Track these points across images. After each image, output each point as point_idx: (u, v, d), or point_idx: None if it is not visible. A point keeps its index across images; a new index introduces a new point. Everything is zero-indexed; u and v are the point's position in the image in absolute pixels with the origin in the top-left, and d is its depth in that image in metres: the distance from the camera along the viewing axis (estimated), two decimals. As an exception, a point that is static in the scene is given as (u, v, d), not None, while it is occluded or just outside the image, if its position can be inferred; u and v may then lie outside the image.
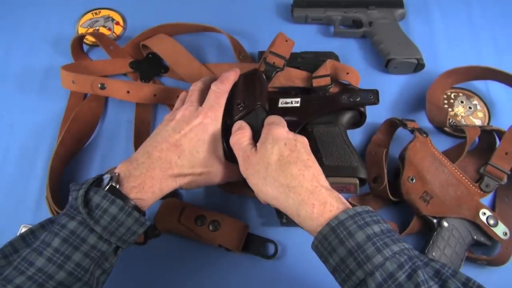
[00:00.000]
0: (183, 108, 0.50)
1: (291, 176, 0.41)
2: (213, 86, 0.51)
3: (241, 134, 0.47)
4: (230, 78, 0.52)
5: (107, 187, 0.42)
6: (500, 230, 0.53)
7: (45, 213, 0.57)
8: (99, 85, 0.61)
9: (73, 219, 0.40)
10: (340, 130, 0.54)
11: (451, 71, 0.64)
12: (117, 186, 0.42)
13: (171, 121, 0.48)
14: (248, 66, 0.64)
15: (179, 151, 0.46)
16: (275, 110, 0.57)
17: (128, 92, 0.62)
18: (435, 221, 0.53)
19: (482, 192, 0.55)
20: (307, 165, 0.42)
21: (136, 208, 0.43)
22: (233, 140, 0.47)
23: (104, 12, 0.77)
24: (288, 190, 0.40)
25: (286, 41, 0.62)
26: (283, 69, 0.60)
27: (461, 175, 0.55)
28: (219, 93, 0.50)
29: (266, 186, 0.42)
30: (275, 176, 0.41)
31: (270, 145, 0.43)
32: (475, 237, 0.53)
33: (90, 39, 0.73)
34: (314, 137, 0.54)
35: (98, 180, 0.43)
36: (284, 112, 0.56)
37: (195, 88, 0.52)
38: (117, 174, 0.44)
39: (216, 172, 0.49)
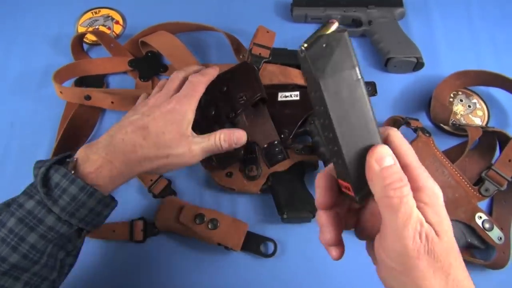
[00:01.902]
0: (157, 94, 0.48)
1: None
2: (191, 77, 0.49)
3: (404, 194, 0.27)
4: (210, 73, 0.51)
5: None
6: (495, 234, 0.53)
7: (44, 212, 0.57)
8: (84, 97, 0.62)
9: (31, 198, 0.38)
10: None
11: (461, 73, 0.64)
12: (72, 172, 0.39)
13: (144, 107, 0.47)
14: None
15: (145, 133, 0.44)
16: (275, 103, 0.57)
17: (112, 102, 0.63)
18: (430, 222, 0.53)
19: (480, 196, 0.55)
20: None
21: None
22: (393, 198, 0.27)
23: (104, 11, 0.77)
24: None
25: (267, 32, 0.64)
26: (269, 59, 0.62)
27: (461, 178, 0.55)
28: (197, 83, 0.48)
29: None
30: None
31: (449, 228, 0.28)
32: (469, 240, 0.53)
33: (90, 38, 0.73)
34: (318, 129, 0.54)
35: (63, 159, 0.41)
36: (284, 106, 0.57)
37: (176, 76, 0.50)
38: (75, 159, 0.41)
39: (183, 153, 0.45)
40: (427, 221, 0.27)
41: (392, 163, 0.27)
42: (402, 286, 0.27)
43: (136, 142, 0.43)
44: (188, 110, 0.46)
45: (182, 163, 0.47)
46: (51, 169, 0.39)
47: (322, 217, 0.32)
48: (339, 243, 0.32)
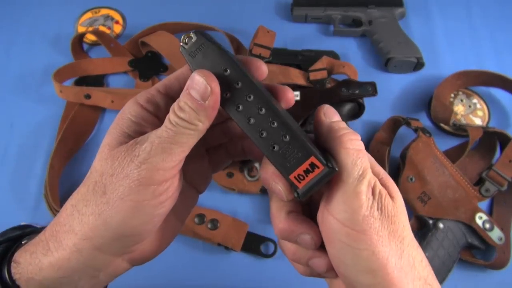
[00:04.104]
0: None
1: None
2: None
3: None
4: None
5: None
6: (495, 235, 0.53)
7: (44, 212, 0.57)
8: (84, 95, 0.62)
9: None
10: None
11: (462, 73, 0.64)
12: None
13: None
14: None
15: None
16: None
17: (112, 101, 0.63)
18: (431, 222, 0.53)
19: (481, 196, 0.55)
20: None
21: None
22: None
23: (104, 11, 0.77)
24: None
25: (268, 32, 0.64)
26: (269, 59, 0.62)
27: (461, 178, 0.55)
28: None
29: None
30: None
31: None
32: (469, 240, 0.53)
33: (90, 38, 0.73)
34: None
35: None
36: None
37: None
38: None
39: None
40: (380, 180, 0.25)
41: (340, 119, 0.26)
42: (356, 257, 0.24)
43: None
44: None
45: None
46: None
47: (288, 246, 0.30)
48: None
